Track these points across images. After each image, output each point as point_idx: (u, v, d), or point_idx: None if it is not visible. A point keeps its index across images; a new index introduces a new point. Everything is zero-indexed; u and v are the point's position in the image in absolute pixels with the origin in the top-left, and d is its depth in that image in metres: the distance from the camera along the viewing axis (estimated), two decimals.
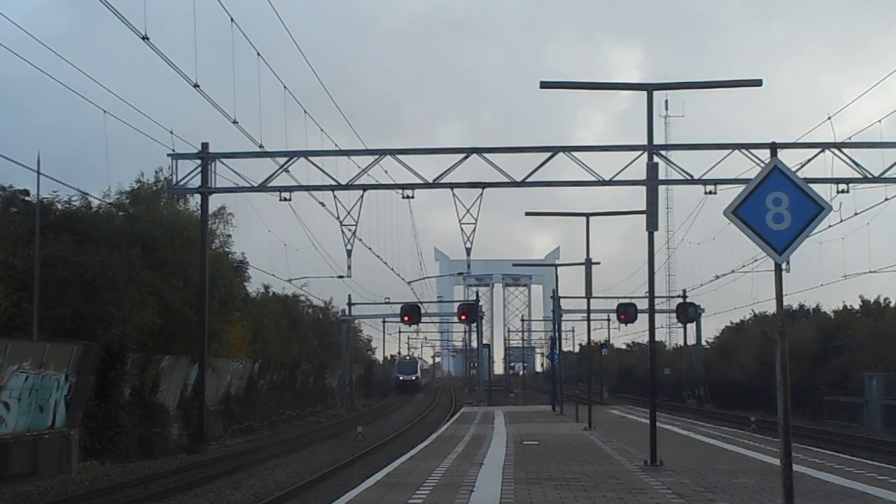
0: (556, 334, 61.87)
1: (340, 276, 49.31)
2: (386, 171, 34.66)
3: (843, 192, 33.61)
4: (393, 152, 34.63)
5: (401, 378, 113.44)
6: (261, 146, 31.63)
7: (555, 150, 34.14)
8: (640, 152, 33.02)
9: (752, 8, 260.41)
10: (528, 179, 34.17)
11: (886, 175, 33.50)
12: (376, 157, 34.47)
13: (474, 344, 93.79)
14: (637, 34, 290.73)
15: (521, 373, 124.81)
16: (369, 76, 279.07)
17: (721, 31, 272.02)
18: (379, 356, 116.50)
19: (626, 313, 50.83)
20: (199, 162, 35.14)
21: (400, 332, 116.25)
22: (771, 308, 66.35)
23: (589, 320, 33.77)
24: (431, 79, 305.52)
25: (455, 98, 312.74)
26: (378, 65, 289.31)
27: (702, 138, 55.69)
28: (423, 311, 60.76)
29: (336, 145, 35.47)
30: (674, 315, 72.23)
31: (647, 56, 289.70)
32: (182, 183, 35.17)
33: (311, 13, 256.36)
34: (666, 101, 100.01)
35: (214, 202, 40.67)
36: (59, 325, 28.72)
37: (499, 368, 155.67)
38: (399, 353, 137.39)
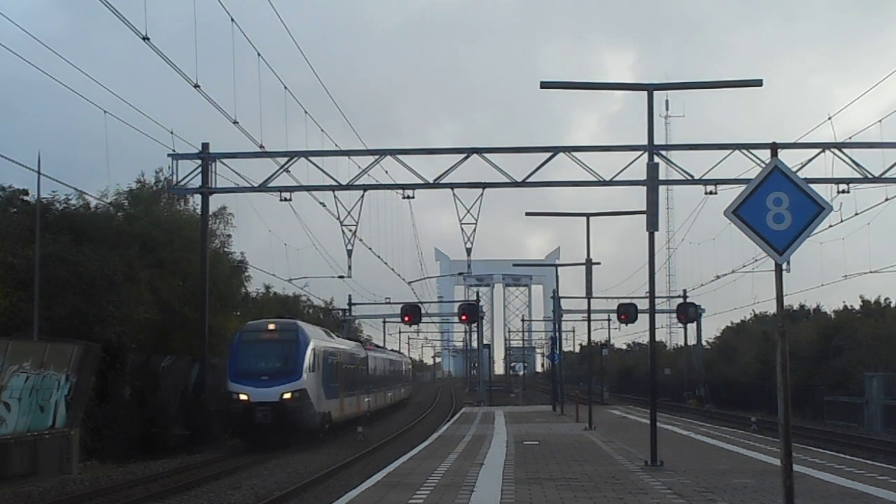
0: (557, 334, 61.92)
1: (341, 277, 49.19)
2: (386, 172, 34.71)
3: (843, 192, 33.61)
4: (393, 152, 34.63)
5: (238, 398, 34.39)
6: (261, 146, 31.63)
7: (555, 151, 34.13)
8: (640, 152, 33.02)
9: (743, 10, 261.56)
10: (528, 179, 34.16)
11: (886, 175, 33.49)
12: (377, 157, 34.47)
13: (474, 344, 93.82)
14: (630, 36, 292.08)
15: (521, 373, 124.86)
16: (364, 77, 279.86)
17: (713, 32, 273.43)
18: None
19: (627, 313, 50.82)
20: (199, 162, 35.14)
21: (400, 332, 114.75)
22: (771, 308, 66.36)
23: (589, 320, 33.82)
24: (426, 80, 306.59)
25: (449, 99, 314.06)
26: (373, 66, 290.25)
27: (701, 138, 55.67)
28: (423, 311, 60.69)
29: (336, 145, 35.50)
30: (674, 315, 72.23)
31: (641, 58, 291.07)
32: (182, 183, 35.17)
33: (305, 14, 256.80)
34: (667, 101, 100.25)
35: (215, 202, 40.68)
36: (57, 324, 28.71)
37: (499, 368, 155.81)
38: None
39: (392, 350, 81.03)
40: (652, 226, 19.37)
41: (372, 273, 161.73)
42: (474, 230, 34.54)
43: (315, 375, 36.40)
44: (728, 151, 33.90)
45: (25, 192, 33.65)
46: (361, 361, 50.31)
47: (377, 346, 70.98)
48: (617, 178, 34.04)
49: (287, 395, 34.42)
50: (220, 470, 28.00)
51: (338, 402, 41.46)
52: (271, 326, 36.95)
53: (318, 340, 38.25)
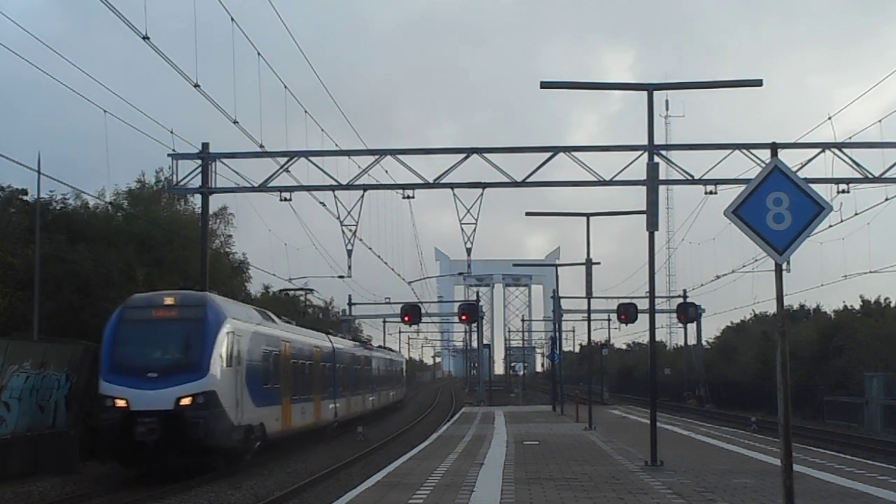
0: (557, 334, 61.92)
1: (341, 276, 49.18)
2: (386, 171, 34.66)
3: (843, 192, 33.53)
4: (393, 152, 34.61)
5: (112, 403, 23.90)
6: (261, 146, 31.59)
7: (555, 151, 34.09)
8: (640, 152, 32.98)
9: (743, 10, 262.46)
10: (528, 179, 34.14)
11: (886, 175, 33.45)
12: (377, 157, 34.45)
13: (475, 344, 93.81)
14: (630, 36, 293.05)
15: (521, 373, 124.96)
16: (364, 77, 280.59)
17: (713, 32, 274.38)
18: None
19: (627, 313, 50.81)
20: (199, 162, 35.10)
21: (400, 332, 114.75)
22: (771, 308, 66.37)
23: (589, 320, 33.83)
24: (426, 80, 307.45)
25: (449, 99, 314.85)
26: (373, 66, 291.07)
27: (701, 138, 55.70)
28: (423, 311, 60.56)
29: (336, 145, 35.45)
30: (674, 315, 72.25)
31: (640, 58, 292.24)
32: (182, 183, 35.13)
33: (305, 14, 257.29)
34: (667, 101, 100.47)
35: (215, 202, 40.63)
36: (53, 322, 28.71)
37: (499, 368, 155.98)
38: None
39: (380, 347, 72.51)
40: (652, 226, 19.37)
41: (372, 273, 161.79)
42: (474, 230, 34.50)
43: (233, 372, 25.79)
44: (728, 151, 33.85)
45: (24, 192, 33.69)
46: (325, 356, 39.92)
47: (357, 340, 61.35)
48: (617, 178, 33.98)
49: (185, 401, 23.99)
50: (221, 470, 27.97)
51: (278, 409, 30.68)
52: (168, 300, 25.94)
53: (241, 322, 27.33)
